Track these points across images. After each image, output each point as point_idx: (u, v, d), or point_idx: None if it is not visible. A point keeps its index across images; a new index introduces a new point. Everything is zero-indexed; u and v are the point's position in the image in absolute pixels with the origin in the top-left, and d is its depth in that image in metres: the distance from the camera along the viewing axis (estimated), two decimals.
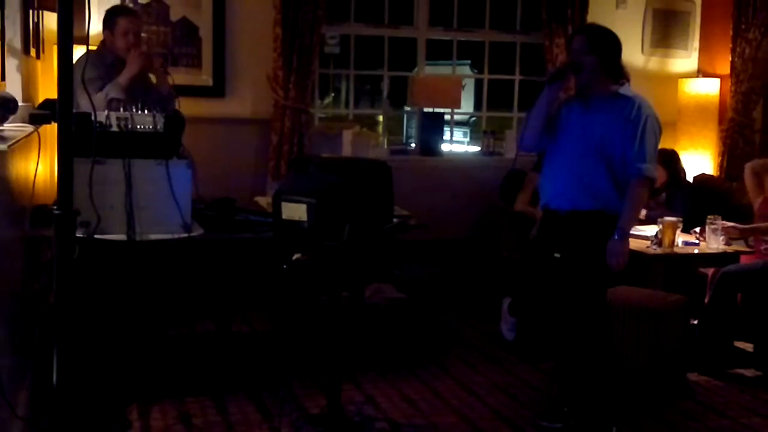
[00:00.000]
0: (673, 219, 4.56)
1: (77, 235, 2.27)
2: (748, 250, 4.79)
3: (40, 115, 3.66)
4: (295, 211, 3.13)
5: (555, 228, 3.62)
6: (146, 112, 3.60)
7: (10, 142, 2.95)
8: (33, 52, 4.27)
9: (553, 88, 3.59)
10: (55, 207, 2.23)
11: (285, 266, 3.09)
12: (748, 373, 4.54)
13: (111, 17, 4.34)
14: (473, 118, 11.76)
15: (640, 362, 4.16)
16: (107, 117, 3.51)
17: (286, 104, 5.64)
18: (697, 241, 4.71)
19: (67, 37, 2.19)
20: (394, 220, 3.58)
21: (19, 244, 3.38)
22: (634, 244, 4.57)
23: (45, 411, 2.62)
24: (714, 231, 4.61)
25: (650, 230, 4.66)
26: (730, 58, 6.46)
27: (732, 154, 6.40)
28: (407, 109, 7.58)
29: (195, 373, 4.14)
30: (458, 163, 6.64)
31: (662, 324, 4.16)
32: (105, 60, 4.29)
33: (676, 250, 4.56)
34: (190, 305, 4.77)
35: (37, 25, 4.32)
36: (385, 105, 7.42)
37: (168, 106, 4.26)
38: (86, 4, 2.35)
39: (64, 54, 2.20)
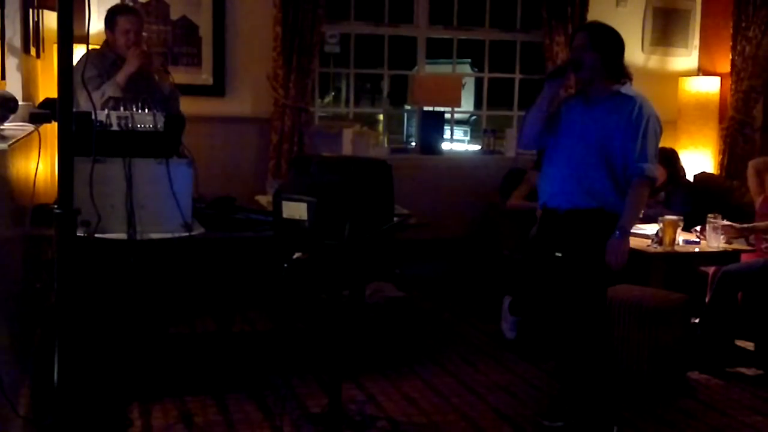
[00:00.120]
0: (674, 217, 4.56)
1: (78, 234, 2.27)
2: (748, 248, 4.79)
3: (40, 114, 3.67)
4: (295, 209, 3.13)
5: (554, 227, 3.62)
6: (146, 111, 3.60)
7: (11, 142, 2.95)
8: (33, 51, 4.27)
9: (554, 85, 3.59)
10: (55, 206, 2.22)
11: (285, 265, 3.10)
12: (749, 371, 4.54)
13: (112, 16, 4.34)
14: (473, 117, 11.76)
15: (640, 361, 4.16)
16: (107, 116, 3.51)
17: (287, 103, 5.64)
18: (697, 240, 4.71)
19: (67, 36, 2.18)
20: (395, 219, 3.58)
21: (19, 244, 3.38)
22: (634, 242, 4.57)
23: (46, 410, 2.62)
24: (714, 229, 4.61)
25: (651, 229, 4.66)
26: (730, 57, 6.45)
27: (732, 152, 6.40)
28: (407, 107, 7.59)
29: (196, 372, 4.14)
30: (458, 161, 6.65)
31: (663, 323, 4.16)
32: (106, 59, 4.29)
33: (676, 248, 4.56)
34: (190, 304, 4.77)
35: (37, 24, 4.32)
36: (385, 104, 7.42)
37: (171, 105, 4.26)
38: (86, 3, 2.35)
39: (64, 53, 2.20)
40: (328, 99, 11.28)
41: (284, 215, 3.19)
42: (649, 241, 4.57)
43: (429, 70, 6.63)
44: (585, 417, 3.62)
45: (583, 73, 3.54)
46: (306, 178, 3.39)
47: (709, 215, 4.68)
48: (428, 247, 5.66)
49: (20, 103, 3.47)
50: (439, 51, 7.18)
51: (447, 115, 6.52)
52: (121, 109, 3.60)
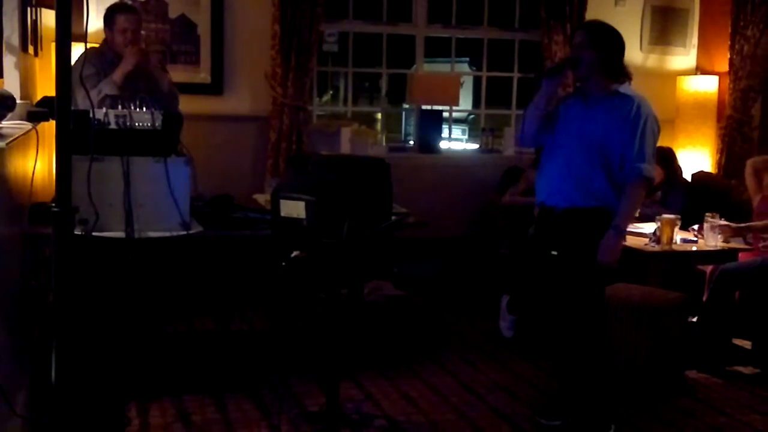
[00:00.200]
0: (672, 216, 4.56)
1: (75, 232, 2.26)
2: (746, 247, 4.80)
3: (38, 113, 3.67)
4: (293, 208, 3.13)
5: (552, 225, 3.62)
6: (145, 109, 3.60)
7: (8, 140, 2.94)
8: (31, 49, 4.26)
9: (551, 83, 3.59)
10: (53, 204, 2.22)
11: (283, 263, 3.09)
12: (747, 370, 4.54)
13: (110, 14, 4.34)
14: (472, 116, 11.77)
15: (638, 359, 4.17)
16: (106, 114, 3.51)
17: (285, 102, 5.64)
18: (695, 239, 4.71)
19: (65, 34, 2.18)
20: (393, 217, 3.58)
21: (17, 242, 3.37)
22: (632, 241, 4.59)
23: (44, 409, 2.62)
24: (712, 228, 4.62)
25: (648, 228, 4.66)
26: (728, 56, 6.45)
27: (730, 151, 6.40)
28: (406, 106, 7.58)
29: (194, 370, 4.14)
30: (457, 160, 6.65)
31: (661, 321, 4.16)
32: (105, 57, 4.29)
33: (674, 247, 4.56)
34: (188, 303, 4.77)
35: (35, 22, 4.31)
36: (383, 102, 7.43)
37: (170, 103, 4.26)
38: (85, 2, 2.35)
39: (63, 51, 2.20)
40: (326, 97, 11.29)
41: (282, 214, 3.19)
42: (647, 240, 4.58)
43: (427, 68, 6.64)
44: (583, 416, 3.62)
45: (581, 70, 3.53)
46: (304, 176, 3.39)
47: (707, 214, 4.68)
48: (426, 246, 5.65)
49: (18, 101, 3.47)
50: (437, 50, 7.18)
51: (445, 114, 6.52)
52: (119, 107, 3.60)
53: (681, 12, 6.68)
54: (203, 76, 5.63)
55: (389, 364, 4.38)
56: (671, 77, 6.61)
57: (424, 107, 6.30)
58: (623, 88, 3.53)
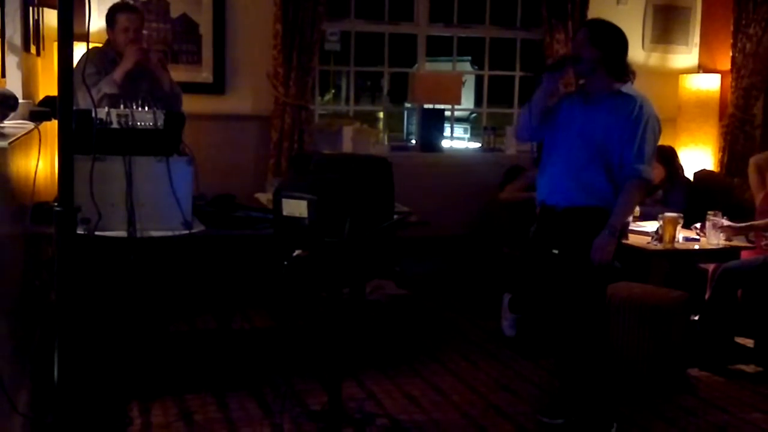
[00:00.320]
0: (674, 215, 4.56)
1: (78, 232, 2.27)
2: (748, 245, 4.79)
3: (40, 112, 3.68)
4: (295, 207, 3.13)
5: (552, 224, 3.62)
6: (146, 108, 3.60)
7: (11, 139, 2.95)
8: (33, 49, 4.27)
9: (552, 79, 3.58)
10: (55, 204, 2.23)
11: (285, 263, 3.10)
12: (749, 368, 4.54)
13: (112, 14, 4.35)
14: (474, 115, 11.77)
15: (641, 358, 4.17)
16: (108, 114, 3.51)
17: (287, 101, 5.64)
18: (697, 237, 4.71)
19: (68, 34, 2.18)
20: (395, 216, 3.58)
21: (19, 241, 3.38)
22: (634, 239, 4.59)
23: (46, 408, 2.62)
24: (714, 226, 4.61)
25: (651, 226, 4.66)
26: (730, 54, 6.45)
27: (732, 150, 6.40)
28: (407, 105, 7.58)
29: (196, 369, 4.14)
30: (459, 159, 6.65)
31: (663, 320, 4.16)
32: (107, 57, 4.29)
33: (676, 245, 4.56)
34: (190, 302, 4.77)
35: (37, 22, 4.32)
36: (385, 101, 7.41)
37: (173, 103, 4.26)
38: (87, 1, 2.35)
39: (65, 51, 2.20)
40: (328, 97, 11.29)
41: (284, 213, 3.19)
42: (649, 238, 4.58)
43: (429, 67, 6.62)
44: (585, 414, 3.62)
45: (582, 67, 3.53)
46: (306, 175, 3.39)
47: (709, 212, 4.68)
48: (428, 245, 5.65)
49: (20, 101, 3.48)
50: (439, 48, 7.18)
51: (447, 113, 6.52)
52: (122, 107, 3.61)
53: (683, 10, 6.68)
54: (205, 75, 5.63)
55: (391, 363, 4.38)
56: (673, 76, 6.60)
57: (426, 106, 6.30)
58: (626, 88, 3.52)
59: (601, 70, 3.50)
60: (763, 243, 4.80)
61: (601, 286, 3.64)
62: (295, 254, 3.12)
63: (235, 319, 4.81)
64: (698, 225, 4.79)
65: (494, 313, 5.06)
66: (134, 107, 3.59)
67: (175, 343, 4.40)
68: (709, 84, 6.52)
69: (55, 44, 2.32)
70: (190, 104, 4.65)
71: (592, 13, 6.13)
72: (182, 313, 4.83)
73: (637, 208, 4.76)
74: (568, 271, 3.57)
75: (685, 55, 6.72)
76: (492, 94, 6.77)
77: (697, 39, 6.73)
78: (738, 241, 4.75)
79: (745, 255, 4.78)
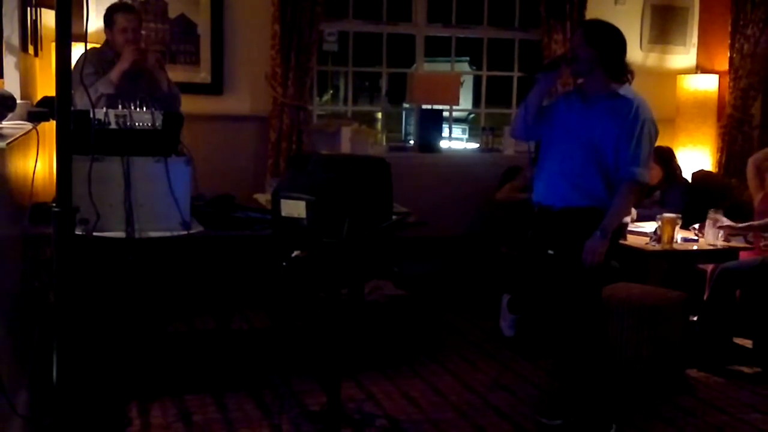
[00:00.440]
0: (672, 215, 4.56)
1: (76, 232, 2.26)
2: (747, 246, 4.80)
3: (38, 113, 3.67)
4: (294, 208, 3.13)
5: (548, 225, 3.62)
6: (145, 109, 3.60)
7: (9, 140, 2.95)
8: (31, 49, 4.26)
9: (547, 78, 3.59)
10: (54, 204, 2.22)
11: (284, 263, 3.09)
12: (748, 369, 4.54)
13: (110, 14, 4.35)
14: (472, 115, 11.79)
15: (639, 358, 4.16)
16: (106, 114, 3.51)
17: (285, 101, 5.64)
18: (696, 238, 4.71)
19: (65, 34, 2.18)
20: (393, 217, 3.58)
21: (18, 242, 3.38)
22: (633, 240, 4.59)
23: (45, 409, 2.62)
24: (714, 224, 4.61)
25: (649, 227, 4.66)
26: (728, 54, 6.46)
27: (730, 150, 6.41)
28: (406, 106, 7.58)
29: (194, 370, 4.14)
30: (457, 159, 6.65)
31: (661, 320, 4.16)
32: (105, 57, 4.29)
33: (675, 246, 4.55)
34: (189, 302, 4.76)
35: (35, 22, 4.31)
36: (383, 102, 7.43)
37: (171, 103, 4.26)
38: (85, 2, 2.35)
39: (63, 51, 2.20)
40: (326, 97, 11.30)
41: (283, 213, 3.18)
42: (648, 238, 4.58)
43: (427, 68, 6.64)
44: (584, 415, 3.62)
45: (578, 67, 3.52)
46: (304, 176, 3.38)
47: (710, 210, 4.67)
48: (427, 245, 5.65)
49: (18, 101, 3.47)
50: (437, 49, 7.18)
51: (445, 113, 6.52)
52: (120, 107, 3.60)
53: (681, 11, 6.68)
54: (203, 75, 5.63)
55: (390, 363, 4.38)
56: (671, 76, 6.61)
57: (424, 107, 6.30)
58: (623, 90, 3.52)
59: (599, 70, 3.50)
60: (761, 243, 4.80)
61: (596, 287, 3.64)
62: (293, 255, 3.11)
63: (233, 319, 4.80)
64: (697, 226, 4.79)
65: (493, 313, 5.06)
66: (132, 108, 3.59)
67: (174, 344, 4.40)
68: (707, 84, 6.52)
69: (53, 45, 2.31)
70: (189, 105, 4.66)
71: (590, 13, 6.13)
72: (181, 314, 4.83)
73: (634, 212, 4.77)
74: (564, 271, 3.57)
75: (683, 56, 6.73)
76: (490, 94, 6.77)
77: (695, 39, 6.74)
78: (736, 242, 4.75)
79: (743, 255, 4.78)
